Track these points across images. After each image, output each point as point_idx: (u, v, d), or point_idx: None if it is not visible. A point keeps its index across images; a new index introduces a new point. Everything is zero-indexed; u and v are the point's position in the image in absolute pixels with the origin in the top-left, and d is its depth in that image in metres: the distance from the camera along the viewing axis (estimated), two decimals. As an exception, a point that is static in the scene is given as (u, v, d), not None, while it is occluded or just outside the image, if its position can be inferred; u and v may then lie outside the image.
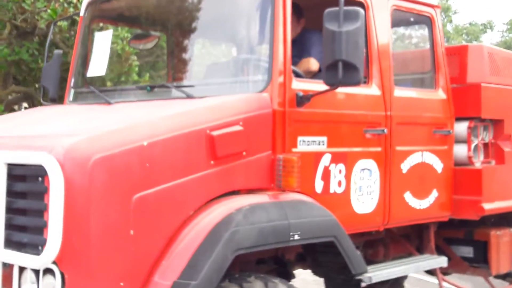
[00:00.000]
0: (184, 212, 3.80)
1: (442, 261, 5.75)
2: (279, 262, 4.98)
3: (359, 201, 4.87)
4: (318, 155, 4.56)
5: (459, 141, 5.93)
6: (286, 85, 4.33)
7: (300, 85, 4.45)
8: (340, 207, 4.72)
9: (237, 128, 4.05)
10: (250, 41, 4.77)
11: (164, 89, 4.84)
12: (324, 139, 4.62)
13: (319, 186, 4.57)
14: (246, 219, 3.85)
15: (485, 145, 6.15)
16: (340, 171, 4.73)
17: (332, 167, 4.67)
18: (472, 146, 5.94)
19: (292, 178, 4.23)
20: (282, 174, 4.23)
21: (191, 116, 3.96)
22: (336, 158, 4.69)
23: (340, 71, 4.02)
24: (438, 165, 5.64)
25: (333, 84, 4.14)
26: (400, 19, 5.63)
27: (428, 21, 5.74)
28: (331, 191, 4.67)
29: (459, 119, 5.91)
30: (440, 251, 6.46)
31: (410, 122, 5.36)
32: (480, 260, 6.37)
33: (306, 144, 4.50)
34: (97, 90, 5.13)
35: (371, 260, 5.69)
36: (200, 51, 5.95)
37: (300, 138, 4.45)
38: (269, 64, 4.34)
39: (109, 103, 4.82)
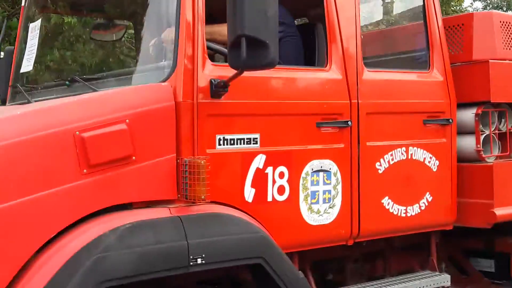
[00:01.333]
0: (43, 234, 3.03)
1: (442, 280, 4.70)
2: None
3: (312, 210, 3.96)
4: (248, 156, 3.69)
5: (465, 131, 4.86)
6: (195, 71, 3.48)
7: (217, 71, 3.59)
8: (283, 219, 3.84)
9: (119, 127, 3.24)
10: (156, 22, 3.93)
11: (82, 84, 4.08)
12: (256, 136, 3.73)
13: (249, 193, 3.70)
14: (121, 242, 3.05)
15: (501, 136, 5.01)
16: (281, 175, 3.83)
17: (269, 170, 3.78)
18: (482, 137, 4.84)
19: (199, 187, 3.38)
20: (188, 182, 3.39)
21: (54, 114, 3.20)
22: (275, 159, 3.80)
23: (243, 50, 3.13)
24: (432, 163, 4.61)
25: (237, 67, 3.26)
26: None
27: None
28: (269, 199, 3.78)
29: (464, 105, 4.84)
30: (456, 265, 5.42)
31: (387, 111, 4.37)
32: (503, 276, 5.26)
33: (230, 143, 3.63)
34: (21, 88, 4.49)
35: (369, 276, 4.80)
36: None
37: (219, 137, 3.59)
38: (174, 48, 3.51)
39: (29, 102, 4.17)
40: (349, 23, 4.19)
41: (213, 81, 3.50)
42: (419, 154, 4.52)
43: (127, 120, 3.27)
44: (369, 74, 4.28)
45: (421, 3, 4.72)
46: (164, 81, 3.49)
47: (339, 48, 4.12)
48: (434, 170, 4.62)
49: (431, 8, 4.69)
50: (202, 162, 3.37)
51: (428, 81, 4.64)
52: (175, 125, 3.42)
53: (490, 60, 4.82)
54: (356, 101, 4.16)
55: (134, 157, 3.30)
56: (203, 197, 3.35)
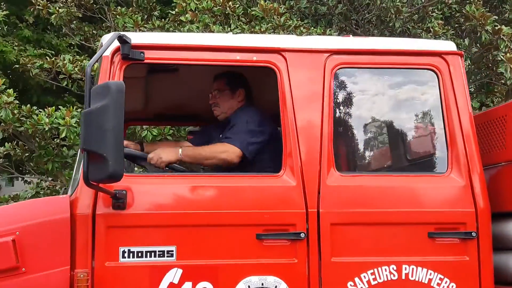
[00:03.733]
0: None
1: None
2: None
3: (247, 335, 3.53)
4: (159, 270, 3.51)
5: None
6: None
7: (128, 182, 3.56)
8: None
9: (5, 239, 3.40)
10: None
11: None
12: (171, 248, 3.54)
13: (159, 311, 3.48)
14: None
15: None
16: (205, 292, 3.53)
17: (188, 286, 3.52)
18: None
19: (81, 302, 3.34)
20: None
21: None
22: (195, 274, 3.53)
23: (84, 164, 3.14)
24: (444, 286, 3.74)
25: (85, 182, 3.22)
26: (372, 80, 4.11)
27: (433, 78, 4.04)
28: (190, 318, 3.50)
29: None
30: None
31: (363, 222, 3.74)
32: None
33: (137, 256, 3.51)
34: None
35: None
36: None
37: (123, 249, 3.50)
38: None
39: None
40: (310, 120, 3.79)
41: (116, 193, 3.48)
42: (420, 274, 3.72)
43: (17, 233, 3.42)
44: (339, 179, 3.76)
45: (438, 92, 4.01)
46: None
47: (296, 150, 3.74)
48: (449, 295, 3.73)
49: (449, 97, 3.96)
50: (81, 275, 3.34)
51: (439, 186, 3.86)
52: (69, 237, 3.45)
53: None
54: (316, 210, 3.67)
55: (23, 269, 3.40)
56: None
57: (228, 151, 3.97)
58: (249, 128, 4.07)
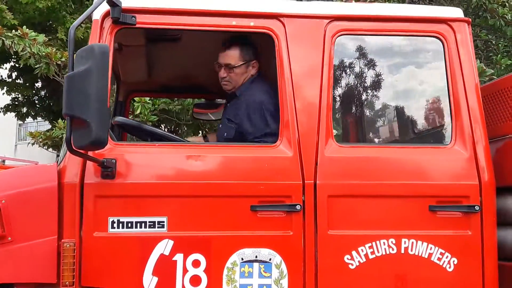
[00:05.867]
0: None
1: None
2: None
3: (241, 307, 3.43)
4: (149, 241, 3.40)
5: (514, 222, 3.74)
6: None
7: (118, 150, 3.46)
8: (196, 315, 3.40)
9: (-9, 207, 3.31)
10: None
11: None
12: (162, 219, 3.44)
13: (149, 282, 3.39)
14: None
15: None
16: (196, 263, 3.43)
17: (179, 257, 3.42)
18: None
19: (66, 272, 3.25)
20: (62, 266, 3.28)
21: None
22: (186, 246, 3.43)
23: (67, 130, 3.02)
24: (445, 260, 3.62)
25: (68, 148, 3.10)
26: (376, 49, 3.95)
27: (439, 46, 3.87)
28: (178, 290, 3.40)
29: (517, 188, 3.76)
30: None
31: (361, 194, 3.61)
32: None
33: (126, 226, 3.41)
34: None
35: None
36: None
37: (112, 219, 3.40)
38: None
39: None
40: (309, 90, 3.65)
41: (104, 161, 3.36)
42: (420, 248, 3.59)
43: (3, 201, 3.32)
44: (338, 150, 3.62)
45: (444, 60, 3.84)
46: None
47: (294, 120, 3.60)
48: (449, 270, 3.61)
49: (454, 66, 3.79)
50: (68, 245, 3.25)
51: (442, 158, 3.72)
52: (57, 206, 3.35)
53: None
54: (313, 181, 3.54)
55: (9, 238, 3.31)
56: (67, 283, 3.21)
57: None
58: (262, 117, 3.85)
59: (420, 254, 3.59)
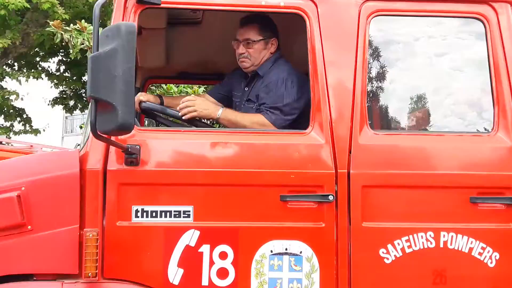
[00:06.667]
0: None
1: None
2: None
3: (269, 303, 3.26)
4: (174, 231, 3.25)
5: None
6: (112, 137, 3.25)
7: (143, 136, 3.31)
8: (224, 309, 3.24)
9: (9, 195, 3.17)
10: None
11: None
12: (188, 209, 3.28)
13: (175, 274, 3.23)
14: None
15: None
16: (223, 255, 3.27)
17: (205, 248, 3.26)
18: None
19: (88, 263, 3.12)
20: (84, 257, 3.14)
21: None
22: (213, 237, 3.27)
23: (91, 114, 2.86)
24: (486, 255, 3.41)
25: (94, 134, 2.94)
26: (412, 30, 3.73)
27: (480, 28, 3.65)
28: (204, 283, 3.24)
29: None
30: None
31: (398, 184, 3.41)
32: None
33: (151, 215, 3.26)
34: None
35: None
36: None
37: (136, 208, 3.25)
38: None
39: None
40: (342, 73, 3.46)
41: (129, 147, 3.21)
42: (460, 242, 3.39)
43: (22, 188, 3.18)
44: (373, 138, 3.43)
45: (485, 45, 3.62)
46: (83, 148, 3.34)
47: (326, 105, 3.42)
48: (491, 265, 3.40)
49: (497, 50, 3.58)
50: (90, 235, 3.11)
51: (483, 147, 3.51)
52: (79, 194, 3.21)
53: None
54: (346, 171, 3.36)
55: (29, 227, 3.18)
56: (89, 274, 3.07)
57: (265, 125, 3.65)
58: (286, 97, 3.71)
59: (460, 249, 3.39)
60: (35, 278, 3.19)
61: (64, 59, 16.23)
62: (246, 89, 3.95)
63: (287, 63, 3.92)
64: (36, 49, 15.42)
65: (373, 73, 3.63)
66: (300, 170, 3.34)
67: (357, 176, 3.35)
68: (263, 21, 3.90)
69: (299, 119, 3.70)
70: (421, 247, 3.37)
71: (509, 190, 3.43)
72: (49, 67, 17.32)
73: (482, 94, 3.65)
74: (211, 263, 3.24)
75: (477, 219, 3.41)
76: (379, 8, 3.54)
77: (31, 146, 9.21)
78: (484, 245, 3.40)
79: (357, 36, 3.49)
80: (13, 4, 12.32)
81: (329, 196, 3.31)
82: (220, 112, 3.67)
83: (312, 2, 3.49)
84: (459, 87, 3.72)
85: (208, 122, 4.03)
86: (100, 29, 2.97)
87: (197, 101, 3.70)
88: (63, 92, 17.99)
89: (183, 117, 3.65)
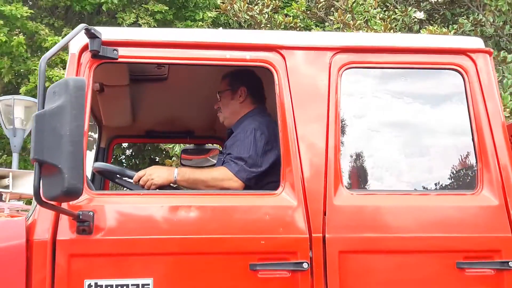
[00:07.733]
0: None
1: None
2: None
3: None
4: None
5: None
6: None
7: (106, 201, 3.01)
8: None
9: None
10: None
11: None
12: (147, 282, 2.95)
13: None
14: None
15: None
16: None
17: (167, 323, 2.92)
18: None
19: None
20: None
21: None
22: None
23: (35, 178, 2.57)
24: (476, 324, 3.12)
25: (37, 201, 2.65)
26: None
27: (458, 79, 3.46)
28: None
29: None
30: None
31: (381, 249, 3.14)
32: None
33: (105, 289, 2.92)
34: None
35: None
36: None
37: (89, 282, 2.91)
38: None
39: None
40: (314, 129, 3.23)
41: (80, 214, 2.90)
42: None
43: None
44: (349, 198, 3.17)
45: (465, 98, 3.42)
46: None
47: (297, 163, 3.17)
48: (482, 335, 3.10)
49: (477, 104, 3.38)
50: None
51: (467, 207, 3.26)
52: (25, 267, 2.88)
53: None
54: (321, 235, 3.08)
55: None
56: None
57: (228, 178, 3.42)
58: (252, 147, 3.50)
59: (448, 317, 3.09)
60: None
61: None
62: (222, 149, 3.74)
63: (266, 116, 3.73)
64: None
65: (347, 128, 3.39)
66: (270, 235, 3.06)
67: (333, 241, 3.07)
68: (235, 73, 3.77)
69: (273, 180, 3.43)
70: (405, 318, 3.06)
71: (498, 254, 3.16)
72: None
73: (463, 150, 3.42)
74: None
75: (465, 286, 3.13)
76: (351, 60, 3.34)
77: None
78: (474, 312, 3.10)
79: (329, 89, 3.28)
80: None
81: (303, 264, 3.01)
82: (175, 173, 3.41)
83: (280, 54, 3.29)
84: (439, 143, 3.49)
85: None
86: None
87: (149, 171, 3.46)
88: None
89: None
